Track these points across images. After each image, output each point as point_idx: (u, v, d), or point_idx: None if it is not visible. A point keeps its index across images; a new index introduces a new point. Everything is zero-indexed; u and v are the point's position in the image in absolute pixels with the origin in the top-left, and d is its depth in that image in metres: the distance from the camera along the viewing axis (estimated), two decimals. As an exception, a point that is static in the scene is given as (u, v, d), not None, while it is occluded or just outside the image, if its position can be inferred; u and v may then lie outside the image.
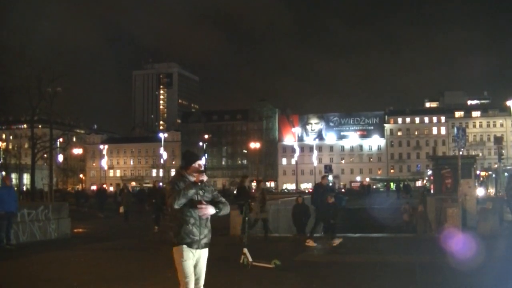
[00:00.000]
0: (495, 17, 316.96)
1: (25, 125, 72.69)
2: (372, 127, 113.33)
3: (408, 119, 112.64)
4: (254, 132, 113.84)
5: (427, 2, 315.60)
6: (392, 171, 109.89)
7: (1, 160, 61.04)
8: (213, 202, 4.89)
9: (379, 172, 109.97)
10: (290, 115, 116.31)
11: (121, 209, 21.12)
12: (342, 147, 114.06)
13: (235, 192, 15.72)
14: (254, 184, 24.91)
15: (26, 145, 68.96)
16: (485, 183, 29.43)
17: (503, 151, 39.27)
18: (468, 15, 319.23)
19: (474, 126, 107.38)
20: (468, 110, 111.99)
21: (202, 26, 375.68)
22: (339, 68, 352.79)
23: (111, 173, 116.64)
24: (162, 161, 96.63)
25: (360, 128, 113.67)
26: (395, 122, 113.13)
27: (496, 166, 38.21)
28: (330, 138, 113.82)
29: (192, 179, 4.81)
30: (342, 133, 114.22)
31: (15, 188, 27.56)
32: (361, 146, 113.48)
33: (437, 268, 9.20)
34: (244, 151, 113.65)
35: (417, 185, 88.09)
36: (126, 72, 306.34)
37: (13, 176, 59.60)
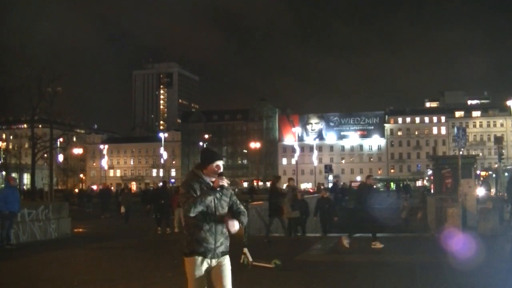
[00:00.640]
0: (495, 17, 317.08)
1: (25, 125, 72.74)
2: (372, 127, 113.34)
3: (408, 119, 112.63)
4: (254, 132, 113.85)
5: (427, 2, 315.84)
6: (392, 171, 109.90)
7: (2, 160, 61.08)
8: (232, 210, 4.40)
9: (379, 172, 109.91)
10: (290, 115, 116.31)
11: (122, 209, 20.93)
12: (342, 147, 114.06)
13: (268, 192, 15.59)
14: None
15: (26, 145, 69.03)
16: (487, 183, 29.40)
17: (503, 151, 39.25)
18: (468, 15, 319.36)
19: (474, 126, 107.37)
20: (468, 110, 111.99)
21: (202, 26, 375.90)
22: (339, 68, 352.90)
23: (111, 173, 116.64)
24: (162, 161, 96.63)
25: (360, 128, 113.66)
26: (395, 122, 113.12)
27: (496, 166, 38.20)
28: (330, 138, 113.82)
29: (209, 180, 4.32)
30: (342, 133, 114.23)
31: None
32: (361, 146, 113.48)
33: (437, 268, 9.19)
34: (244, 151, 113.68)
35: (417, 185, 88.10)
36: (126, 72, 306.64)
37: (13, 176, 59.62)
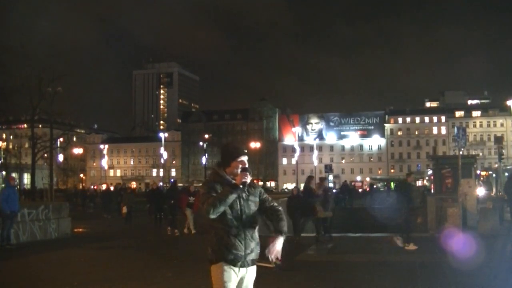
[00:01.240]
0: (495, 16, 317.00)
1: (25, 125, 72.65)
2: (372, 127, 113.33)
3: (408, 119, 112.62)
4: (255, 132, 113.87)
5: (427, 2, 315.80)
6: (392, 170, 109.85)
7: (2, 160, 61.05)
8: (263, 208, 3.95)
9: (379, 171, 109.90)
10: (291, 115, 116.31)
11: (124, 209, 20.55)
12: (343, 147, 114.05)
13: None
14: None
15: (27, 145, 68.99)
16: (489, 183, 29.44)
17: (503, 151, 39.26)
18: (469, 15, 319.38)
19: (475, 125, 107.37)
20: (468, 109, 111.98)
21: (203, 25, 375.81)
22: (340, 68, 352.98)
23: (111, 172, 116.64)
24: (162, 161, 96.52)
25: (361, 127, 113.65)
26: (396, 121, 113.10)
27: (496, 165, 38.21)
28: (331, 137, 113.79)
29: (232, 178, 3.87)
30: (342, 133, 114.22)
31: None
32: (361, 146, 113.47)
33: (437, 268, 9.19)
34: (244, 150, 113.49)
35: (417, 184, 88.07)
36: (126, 72, 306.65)
37: (14, 176, 59.58)
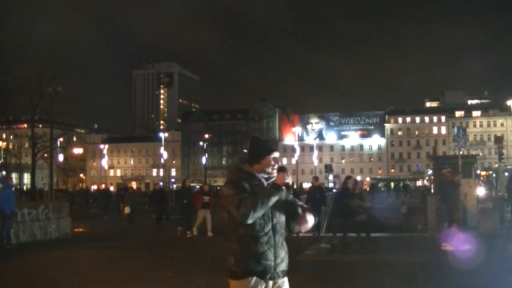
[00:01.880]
0: (495, 16, 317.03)
1: (25, 125, 72.67)
2: (372, 127, 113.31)
3: (408, 119, 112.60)
4: (255, 132, 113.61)
5: (427, 2, 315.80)
6: (392, 170, 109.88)
7: (2, 160, 61.06)
8: (290, 212, 3.46)
9: (379, 171, 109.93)
10: (291, 115, 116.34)
11: (126, 210, 20.22)
12: (343, 147, 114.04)
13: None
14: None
15: (27, 145, 68.92)
16: (490, 183, 29.40)
17: (503, 151, 39.25)
18: (469, 14, 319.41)
19: (475, 125, 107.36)
20: (468, 109, 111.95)
21: (203, 25, 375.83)
22: (340, 68, 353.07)
23: (111, 172, 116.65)
24: (162, 161, 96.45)
25: (361, 127, 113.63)
26: (396, 121, 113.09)
27: (496, 165, 38.21)
28: (331, 137, 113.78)
29: (262, 177, 3.38)
30: (342, 133, 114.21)
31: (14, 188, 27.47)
32: (361, 146, 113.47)
33: (437, 268, 9.19)
34: (244, 150, 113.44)
35: (417, 184, 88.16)
36: (127, 72, 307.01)
37: (14, 175, 59.64)
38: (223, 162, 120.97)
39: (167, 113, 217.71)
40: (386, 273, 8.93)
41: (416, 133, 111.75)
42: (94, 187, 57.73)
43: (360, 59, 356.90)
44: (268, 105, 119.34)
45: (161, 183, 60.91)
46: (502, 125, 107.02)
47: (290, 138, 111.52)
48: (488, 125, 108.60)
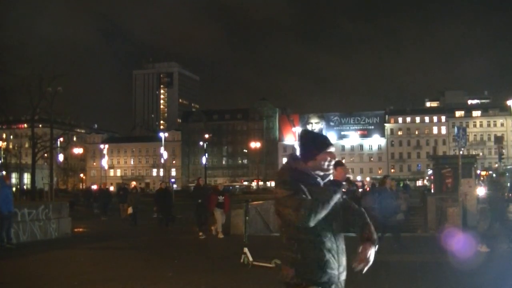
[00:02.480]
0: (495, 16, 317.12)
1: (25, 125, 72.78)
2: (372, 127, 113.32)
3: (408, 119, 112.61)
4: (255, 132, 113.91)
5: (427, 2, 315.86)
6: (392, 170, 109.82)
7: (2, 160, 61.07)
8: (344, 213, 3.09)
9: (379, 171, 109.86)
10: (291, 115, 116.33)
11: (129, 210, 19.82)
12: (343, 147, 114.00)
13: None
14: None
15: (27, 145, 68.98)
16: (493, 183, 29.48)
17: (504, 151, 39.30)
18: (469, 14, 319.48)
19: (475, 125, 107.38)
20: (468, 109, 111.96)
21: (203, 25, 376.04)
22: (340, 67, 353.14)
23: (111, 172, 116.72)
24: (162, 161, 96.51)
25: (361, 127, 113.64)
26: (396, 121, 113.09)
27: (496, 165, 38.23)
28: (331, 137, 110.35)
29: (317, 175, 3.02)
30: (342, 133, 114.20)
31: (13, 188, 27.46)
32: (361, 146, 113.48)
33: (437, 268, 9.18)
34: (244, 150, 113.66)
35: (417, 184, 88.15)
36: (127, 72, 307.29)
37: (14, 175, 59.65)
38: (223, 162, 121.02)
39: (167, 113, 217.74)
40: (386, 273, 8.92)
41: (416, 133, 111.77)
42: (94, 187, 57.73)
43: (360, 59, 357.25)
44: (268, 105, 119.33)
45: (172, 181, 60.63)
46: (502, 125, 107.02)
47: (290, 138, 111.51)
48: (488, 125, 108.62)
